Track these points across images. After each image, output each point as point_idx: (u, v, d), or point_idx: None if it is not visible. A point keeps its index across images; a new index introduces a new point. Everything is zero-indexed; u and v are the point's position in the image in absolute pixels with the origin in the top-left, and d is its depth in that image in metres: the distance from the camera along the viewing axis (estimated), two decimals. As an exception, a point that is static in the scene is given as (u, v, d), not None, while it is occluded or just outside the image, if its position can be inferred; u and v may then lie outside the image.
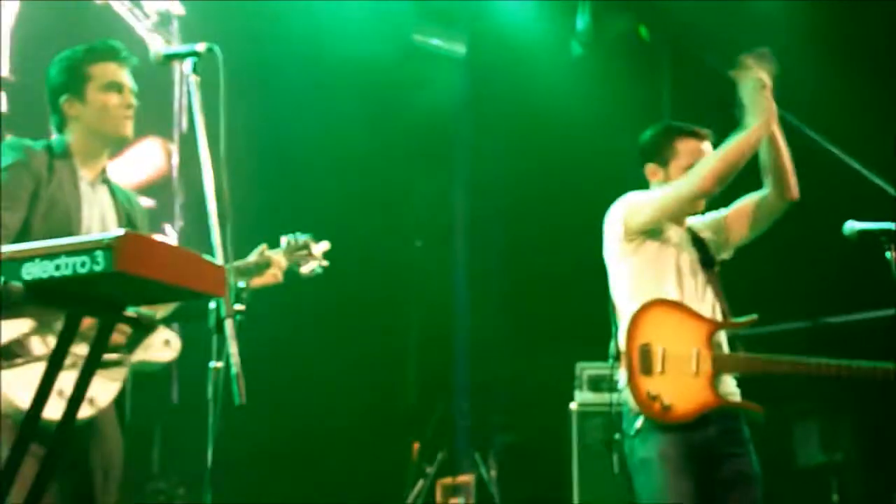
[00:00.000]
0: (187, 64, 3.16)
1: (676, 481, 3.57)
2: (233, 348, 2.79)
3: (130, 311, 2.32)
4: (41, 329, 3.19)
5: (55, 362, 2.26)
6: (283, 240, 3.97)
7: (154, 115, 5.79)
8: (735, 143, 3.70)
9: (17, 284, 2.00)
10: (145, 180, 5.87)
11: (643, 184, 3.97)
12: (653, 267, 3.80)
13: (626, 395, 3.69)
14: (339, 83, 6.85)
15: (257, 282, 3.80)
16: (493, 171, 7.78)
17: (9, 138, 3.52)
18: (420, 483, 6.94)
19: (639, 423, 3.67)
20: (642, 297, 3.74)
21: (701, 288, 3.84)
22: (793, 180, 3.86)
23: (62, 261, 2.01)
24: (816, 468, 6.25)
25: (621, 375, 3.71)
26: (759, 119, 3.70)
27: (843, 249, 4.12)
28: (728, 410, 3.72)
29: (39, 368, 2.38)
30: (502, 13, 7.56)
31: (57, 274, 2.01)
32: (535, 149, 7.47)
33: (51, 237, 2.61)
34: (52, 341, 3.14)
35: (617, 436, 3.81)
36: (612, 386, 3.83)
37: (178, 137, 6.17)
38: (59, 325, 2.60)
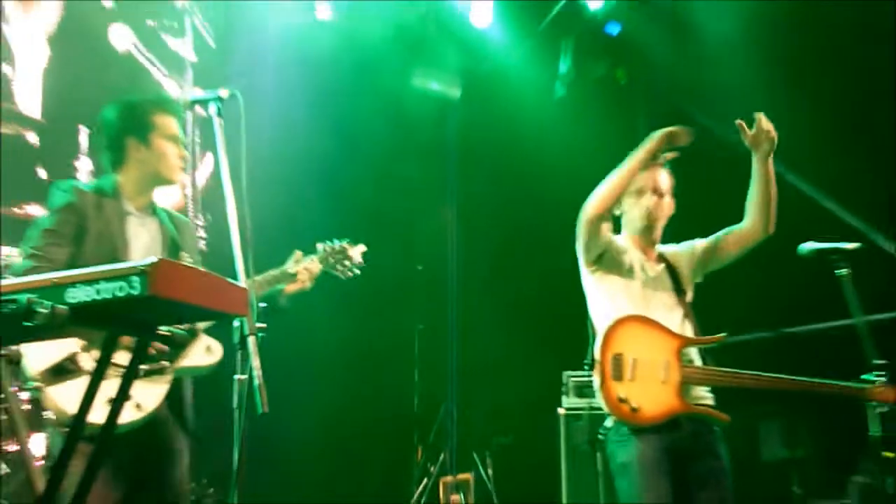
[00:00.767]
0: (212, 108, 3.24)
1: (654, 481, 3.54)
2: (255, 362, 2.81)
3: (163, 330, 2.32)
4: (89, 347, 3.25)
5: (98, 375, 2.29)
6: (320, 246, 4.00)
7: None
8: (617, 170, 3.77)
9: (62, 307, 2.01)
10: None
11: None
12: (623, 294, 3.80)
13: (599, 399, 3.66)
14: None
15: (290, 288, 3.84)
16: (483, 201, 7.82)
17: (60, 182, 3.55)
18: (424, 481, 6.95)
19: (609, 422, 3.68)
20: (616, 315, 3.73)
21: (671, 309, 3.81)
22: (774, 215, 3.87)
23: (102, 286, 2.02)
24: (779, 462, 6.26)
25: (595, 381, 3.67)
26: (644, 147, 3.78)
27: (802, 267, 4.13)
28: (697, 414, 3.68)
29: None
30: (493, 59, 7.62)
31: (98, 297, 2.02)
32: (521, 179, 7.52)
33: None
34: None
35: (600, 435, 3.79)
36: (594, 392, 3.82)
37: (192, 173, 6.20)
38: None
